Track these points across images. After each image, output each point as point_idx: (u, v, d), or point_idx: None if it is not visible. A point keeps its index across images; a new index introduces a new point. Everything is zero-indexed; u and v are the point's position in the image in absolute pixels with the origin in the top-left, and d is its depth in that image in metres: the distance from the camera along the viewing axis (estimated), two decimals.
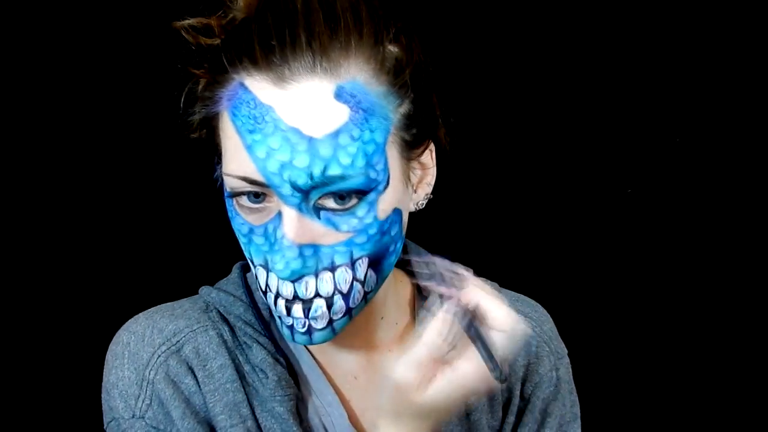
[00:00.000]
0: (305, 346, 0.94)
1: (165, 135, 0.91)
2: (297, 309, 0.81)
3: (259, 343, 0.91)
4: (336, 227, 0.79)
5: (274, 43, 0.75)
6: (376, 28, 0.79)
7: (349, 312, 0.83)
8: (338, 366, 0.94)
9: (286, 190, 0.76)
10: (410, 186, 0.85)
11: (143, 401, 0.88)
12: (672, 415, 1.55)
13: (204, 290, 0.95)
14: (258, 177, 0.76)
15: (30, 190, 1.42)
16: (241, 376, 0.90)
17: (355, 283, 0.81)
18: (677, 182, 1.52)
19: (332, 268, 0.80)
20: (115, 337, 0.92)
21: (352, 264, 0.81)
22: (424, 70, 0.83)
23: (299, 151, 0.75)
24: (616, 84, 1.51)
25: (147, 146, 1.41)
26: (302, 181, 0.75)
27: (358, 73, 0.77)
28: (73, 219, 1.44)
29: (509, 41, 1.48)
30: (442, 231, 1.14)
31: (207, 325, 0.91)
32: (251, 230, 0.80)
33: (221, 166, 0.82)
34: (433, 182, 0.88)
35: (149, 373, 0.88)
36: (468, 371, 0.76)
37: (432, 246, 1.02)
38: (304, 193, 0.76)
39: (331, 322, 0.82)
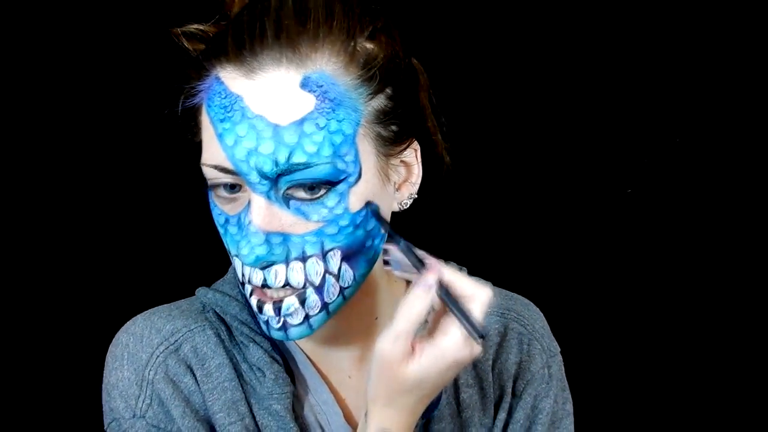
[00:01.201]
0: (299, 346, 0.95)
1: (162, 135, 0.92)
2: (268, 308, 0.82)
3: (255, 342, 0.92)
4: (306, 217, 0.80)
5: (246, 37, 0.78)
6: (349, 24, 0.81)
7: (325, 307, 0.83)
8: (333, 365, 0.95)
9: (254, 177, 0.78)
10: (391, 184, 0.85)
11: (143, 401, 0.89)
12: (666, 413, 1.55)
13: (200, 291, 0.96)
14: (228, 165, 0.79)
15: (29, 191, 1.43)
16: (239, 374, 0.91)
17: (327, 276, 0.82)
18: (677, 182, 1.51)
19: (303, 258, 0.81)
20: (114, 339, 0.93)
21: (324, 255, 0.81)
22: (403, 68, 0.85)
23: (264, 137, 0.77)
24: (616, 84, 1.51)
25: (143, 147, 1.42)
26: (268, 167, 0.77)
27: (326, 65, 0.79)
28: (72, 221, 1.45)
29: (509, 41, 1.49)
30: (437, 231, 1.15)
31: (204, 325, 0.92)
32: (227, 220, 0.82)
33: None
34: (418, 182, 0.88)
35: (149, 373, 0.89)
36: (449, 342, 0.77)
37: (426, 246, 1.04)
38: (272, 180, 0.78)
39: (307, 317, 0.83)
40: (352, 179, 0.80)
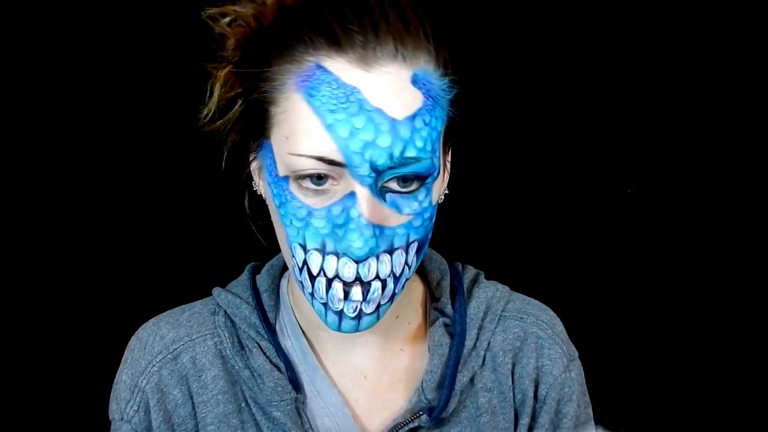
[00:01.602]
0: (314, 347, 0.96)
1: (186, 135, 0.91)
2: (356, 292, 0.82)
3: (260, 347, 0.94)
4: (399, 210, 0.82)
5: (356, 28, 0.78)
6: (432, 25, 0.83)
7: (393, 297, 0.85)
8: (347, 365, 0.96)
9: (364, 170, 0.78)
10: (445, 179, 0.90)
11: (131, 407, 0.93)
12: (681, 416, 1.56)
13: (215, 291, 0.98)
14: (337, 156, 0.78)
15: (50, 194, 1.43)
16: (242, 381, 0.93)
17: (405, 267, 0.84)
18: (677, 182, 1.52)
19: (390, 251, 0.82)
20: (129, 341, 0.97)
21: (407, 247, 0.83)
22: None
23: (383, 131, 0.77)
24: (616, 84, 1.51)
25: (164, 148, 1.41)
26: (382, 161, 0.78)
27: (426, 64, 0.80)
28: (95, 222, 1.45)
29: (509, 41, 1.49)
30: (455, 236, 1.15)
31: (206, 334, 0.95)
32: (310, 213, 0.81)
33: (267, 153, 0.83)
34: (448, 178, 0.92)
35: (142, 381, 0.93)
36: None
37: (445, 250, 1.04)
38: (379, 173, 0.79)
39: (378, 307, 0.84)
40: (436, 173, 0.82)
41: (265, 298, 0.97)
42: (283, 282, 1.00)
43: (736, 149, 1.51)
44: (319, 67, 0.78)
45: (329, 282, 0.82)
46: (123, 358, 0.97)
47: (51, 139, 1.41)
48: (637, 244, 1.54)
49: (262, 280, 0.99)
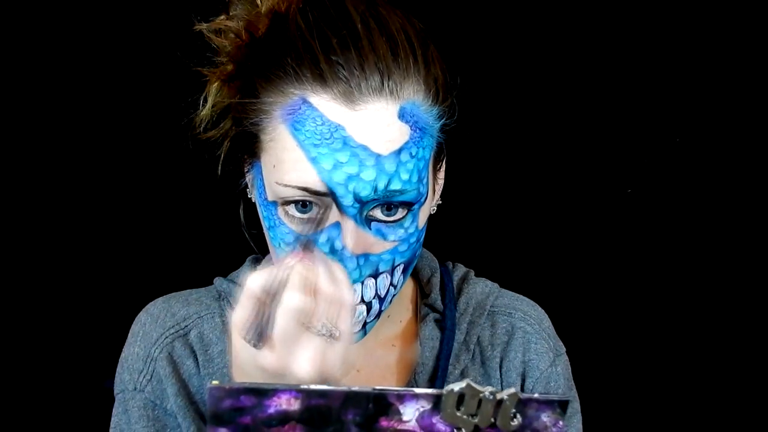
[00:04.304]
0: None
1: (186, 132, 0.92)
2: None
3: None
4: (384, 237, 0.83)
5: (341, 61, 0.78)
6: (424, 50, 0.82)
7: (379, 314, 0.87)
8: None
9: (348, 201, 0.79)
10: (435, 194, 0.90)
11: (144, 376, 0.94)
12: (670, 412, 1.56)
13: (217, 281, 1.01)
14: (320, 187, 0.79)
15: (50, 193, 1.45)
16: None
17: (391, 287, 0.86)
18: (677, 182, 1.52)
19: (375, 275, 0.84)
20: (136, 317, 0.99)
21: (392, 270, 0.85)
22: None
23: (367, 166, 0.78)
24: (616, 84, 1.51)
25: (166, 144, 1.40)
26: (366, 193, 0.78)
27: (415, 95, 0.80)
28: (94, 219, 1.47)
29: (508, 41, 1.49)
30: (447, 235, 1.16)
31: (215, 313, 0.97)
32: (297, 239, 0.82)
33: (258, 174, 0.85)
34: (441, 187, 0.93)
35: (154, 351, 0.95)
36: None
37: (437, 249, 1.05)
38: (363, 204, 0.80)
39: (364, 324, 0.87)
40: (423, 199, 0.83)
41: None
42: None
43: (736, 149, 1.51)
44: (305, 101, 0.78)
45: None
46: (132, 332, 0.98)
47: (52, 137, 1.43)
48: (636, 244, 1.54)
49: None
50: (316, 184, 0.79)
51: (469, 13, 1.47)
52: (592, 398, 1.09)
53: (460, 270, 1.05)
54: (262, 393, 0.60)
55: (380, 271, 0.84)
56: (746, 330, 1.55)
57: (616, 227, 1.55)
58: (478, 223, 1.52)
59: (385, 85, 0.78)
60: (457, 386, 0.60)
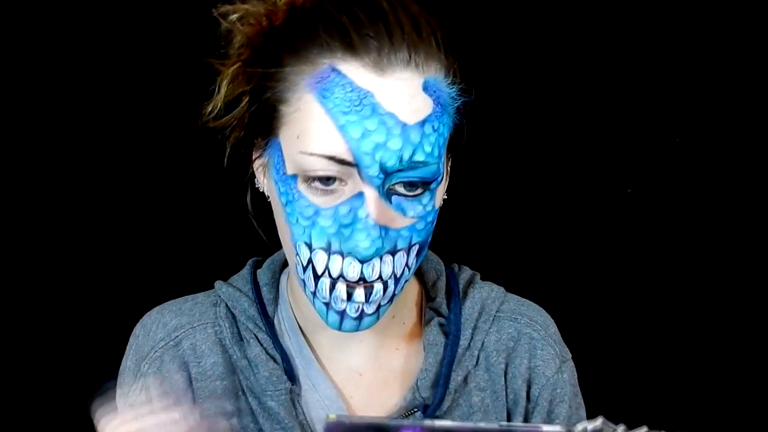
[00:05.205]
0: (310, 342, 0.98)
1: (190, 131, 0.93)
2: (360, 293, 0.84)
3: (257, 338, 0.96)
4: (404, 212, 0.84)
5: (371, 33, 0.80)
6: (441, 34, 0.85)
7: (393, 298, 0.87)
8: (343, 362, 0.97)
9: (374, 170, 0.80)
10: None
11: (134, 391, 0.95)
12: (676, 417, 1.56)
13: (217, 285, 1.01)
14: (347, 156, 0.80)
15: (51, 191, 1.44)
16: (240, 370, 0.95)
17: (406, 268, 0.86)
18: (677, 182, 1.52)
19: (393, 252, 0.84)
20: (134, 329, 1.00)
21: (409, 249, 0.85)
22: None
23: (394, 134, 0.79)
24: (616, 84, 1.51)
25: (167, 144, 1.42)
26: (392, 162, 0.80)
27: (436, 72, 0.83)
28: (96, 218, 1.46)
29: (508, 41, 1.49)
30: (452, 236, 1.15)
31: (207, 323, 0.97)
32: (317, 212, 0.83)
33: (276, 151, 0.85)
34: (446, 186, 0.93)
35: (144, 366, 0.96)
36: None
37: (442, 251, 1.04)
38: (387, 175, 0.80)
39: (378, 307, 0.86)
40: (440, 178, 0.85)
41: (264, 291, 0.99)
42: (283, 278, 1.01)
43: (736, 149, 1.51)
44: (334, 69, 0.80)
45: (333, 283, 0.84)
46: (128, 344, 1.00)
47: (52, 135, 1.42)
48: (637, 245, 1.54)
49: (263, 275, 1.01)
50: (343, 153, 0.80)
51: (469, 13, 1.46)
52: (597, 402, 1.08)
53: (466, 273, 1.05)
54: (384, 429, 0.62)
55: (398, 248, 0.84)
56: (754, 334, 1.54)
57: (626, 229, 1.54)
58: (483, 225, 1.52)
59: (412, 57, 0.80)
60: (590, 425, 0.60)
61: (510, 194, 1.53)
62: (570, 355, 1.04)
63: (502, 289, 1.04)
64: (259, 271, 1.02)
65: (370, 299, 0.84)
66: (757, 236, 1.52)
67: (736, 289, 1.54)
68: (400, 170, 0.80)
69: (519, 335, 1.00)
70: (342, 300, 0.84)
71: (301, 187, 0.83)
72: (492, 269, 1.06)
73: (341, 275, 0.83)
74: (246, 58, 0.87)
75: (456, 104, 0.85)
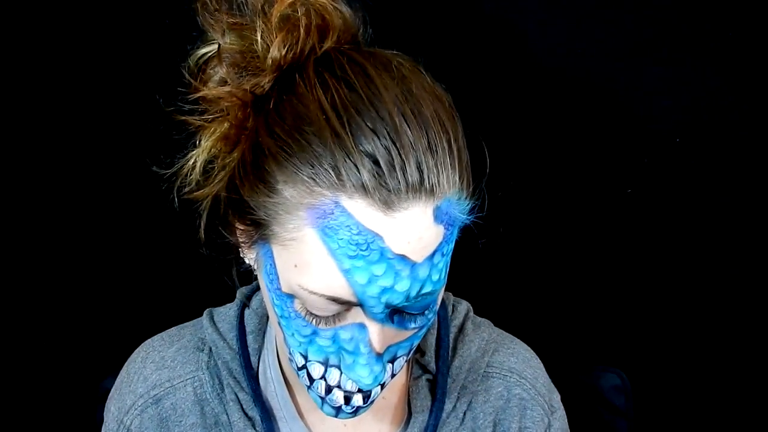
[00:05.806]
0: (295, 397, 0.96)
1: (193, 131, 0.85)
2: (358, 398, 0.81)
3: (237, 398, 0.94)
4: (405, 327, 0.78)
5: (383, 165, 0.69)
6: (454, 132, 0.75)
7: (384, 385, 0.84)
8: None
9: (378, 309, 0.74)
10: None
11: None
12: (680, 420, 1.57)
13: (204, 322, 0.97)
14: (351, 298, 0.73)
15: (51, 196, 1.43)
16: (221, 424, 0.93)
17: (404, 361, 0.84)
18: (677, 183, 1.51)
19: (393, 360, 0.81)
20: (125, 365, 0.99)
21: (409, 352, 0.82)
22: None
23: (402, 277, 0.72)
24: (616, 84, 1.49)
25: (169, 143, 1.40)
26: (398, 301, 0.73)
27: (448, 189, 0.73)
28: (93, 225, 1.45)
29: (508, 41, 1.46)
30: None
31: (186, 380, 0.95)
32: (315, 332, 0.77)
33: (268, 258, 0.77)
34: None
35: (126, 419, 0.95)
36: None
37: None
38: (391, 309, 0.75)
39: (356, 410, 0.84)
40: (444, 284, 0.79)
41: (250, 340, 0.95)
42: (270, 327, 0.98)
43: (736, 149, 1.49)
44: (338, 205, 0.69)
45: (329, 388, 0.81)
46: (117, 380, 0.99)
47: (53, 139, 1.41)
48: (637, 245, 1.54)
49: (250, 320, 0.96)
50: (347, 296, 0.72)
51: (468, 14, 1.43)
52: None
53: (459, 315, 1.02)
54: None
55: (398, 356, 0.81)
56: (754, 334, 1.55)
57: (626, 229, 1.54)
58: (485, 224, 1.51)
59: (425, 183, 0.69)
60: None
61: (511, 193, 1.52)
62: (558, 400, 1.04)
63: (491, 330, 1.03)
64: (246, 312, 0.97)
65: (368, 402, 0.82)
66: (758, 236, 1.51)
67: (736, 289, 1.53)
68: (406, 305, 0.75)
69: (509, 395, 0.99)
70: (339, 402, 0.82)
71: (299, 308, 0.77)
72: (492, 269, 1.04)
73: (338, 386, 0.80)
74: (227, 133, 0.78)
75: (466, 215, 0.76)
